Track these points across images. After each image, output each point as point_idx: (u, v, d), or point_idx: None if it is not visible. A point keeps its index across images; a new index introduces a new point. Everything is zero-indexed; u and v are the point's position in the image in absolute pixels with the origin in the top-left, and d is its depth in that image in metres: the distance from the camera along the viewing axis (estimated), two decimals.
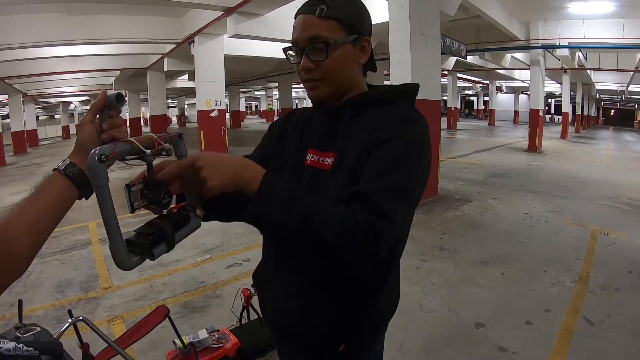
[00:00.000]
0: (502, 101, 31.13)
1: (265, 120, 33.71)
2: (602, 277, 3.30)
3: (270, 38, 8.83)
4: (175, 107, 36.35)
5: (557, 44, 10.59)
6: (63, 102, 24.97)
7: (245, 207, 0.71)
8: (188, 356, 1.89)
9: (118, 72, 16.62)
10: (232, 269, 3.54)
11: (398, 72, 5.34)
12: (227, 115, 19.13)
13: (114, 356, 1.54)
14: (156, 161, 0.73)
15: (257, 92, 36.39)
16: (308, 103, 1.08)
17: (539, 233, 4.46)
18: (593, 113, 33.21)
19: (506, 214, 5.20)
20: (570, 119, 18.18)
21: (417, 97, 0.94)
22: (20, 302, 1.27)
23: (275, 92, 28.14)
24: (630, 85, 19.29)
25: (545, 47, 10.91)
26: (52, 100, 23.34)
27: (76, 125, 23.33)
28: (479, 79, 25.55)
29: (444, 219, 5.00)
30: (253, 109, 54.82)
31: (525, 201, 5.83)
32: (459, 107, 29.21)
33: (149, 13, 9.43)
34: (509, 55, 14.70)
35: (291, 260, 0.89)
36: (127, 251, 0.61)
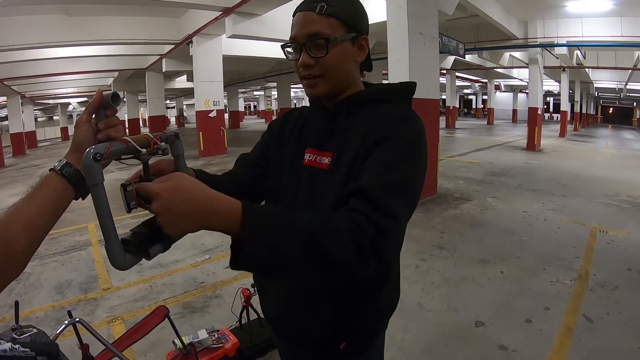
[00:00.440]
0: (501, 100, 31.16)
1: (264, 120, 33.71)
2: (601, 274, 3.30)
3: (268, 38, 8.84)
4: (173, 107, 36.33)
5: (556, 42, 10.61)
6: (62, 104, 24.94)
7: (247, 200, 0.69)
8: (188, 356, 1.88)
9: (116, 73, 16.64)
10: (231, 269, 3.53)
11: (396, 72, 5.34)
12: (226, 115, 19.16)
13: (113, 357, 1.54)
14: (152, 160, 0.73)
15: (255, 92, 36.41)
16: (307, 103, 1.07)
17: (539, 231, 4.46)
18: (592, 111, 33.28)
19: (505, 213, 5.20)
20: (568, 117, 18.18)
21: (415, 96, 0.94)
22: (16, 303, 1.27)
23: (274, 92, 28.15)
24: (629, 83, 19.32)
25: (544, 46, 10.92)
26: (51, 101, 23.33)
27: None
28: (478, 78, 25.57)
29: (444, 217, 5.00)
30: (252, 109, 54.81)
31: (525, 199, 5.83)
32: (457, 106, 29.24)
33: (147, 14, 9.44)
34: (507, 54, 14.70)
35: None
36: (123, 250, 0.61)
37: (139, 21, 9.49)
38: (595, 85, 21.87)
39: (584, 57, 13.16)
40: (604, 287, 3.09)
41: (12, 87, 14.36)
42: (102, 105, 0.70)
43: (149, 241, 0.63)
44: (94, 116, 0.72)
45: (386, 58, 5.41)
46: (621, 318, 2.63)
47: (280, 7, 7.95)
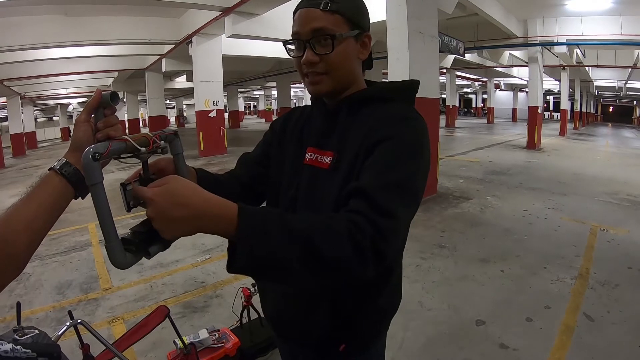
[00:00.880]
0: (501, 99, 31.16)
1: (264, 120, 33.70)
2: (602, 273, 3.30)
3: (268, 38, 8.83)
4: (173, 107, 36.33)
5: (555, 40, 10.60)
6: (61, 104, 24.94)
7: (248, 199, 0.69)
8: (189, 356, 1.88)
9: (116, 74, 16.63)
10: None
11: (396, 71, 5.34)
12: (226, 115, 19.16)
13: (114, 357, 1.54)
14: (152, 159, 0.73)
15: (255, 92, 36.40)
16: (307, 102, 1.07)
17: (539, 230, 4.46)
18: (592, 110, 33.28)
19: (506, 212, 5.20)
20: (568, 116, 18.19)
21: (415, 95, 0.93)
22: (18, 304, 1.27)
23: (274, 92, 28.15)
24: (629, 82, 19.31)
25: (543, 44, 10.91)
26: (51, 102, 23.33)
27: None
28: (477, 77, 25.57)
29: (444, 216, 5.00)
30: (252, 108, 54.81)
31: (525, 198, 5.83)
32: (457, 105, 29.25)
33: (147, 14, 9.43)
34: (507, 53, 14.69)
35: None
36: (123, 249, 0.61)
37: (139, 21, 9.49)
38: (595, 83, 21.85)
39: (584, 56, 13.15)
40: (605, 286, 3.09)
41: (11, 87, 14.36)
42: (100, 105, 0.70)
43: (149, 240, 0.62)
44: (92, 116, 0.71)
45: (386, 57, 5.41)
46: (622, 316, 2.63)
47: (279, 6, 7.94)
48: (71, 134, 0.74)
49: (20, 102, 16.27)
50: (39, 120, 29.63)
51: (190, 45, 10.30)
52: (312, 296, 0.86)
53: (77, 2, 8.15)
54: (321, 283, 0.68)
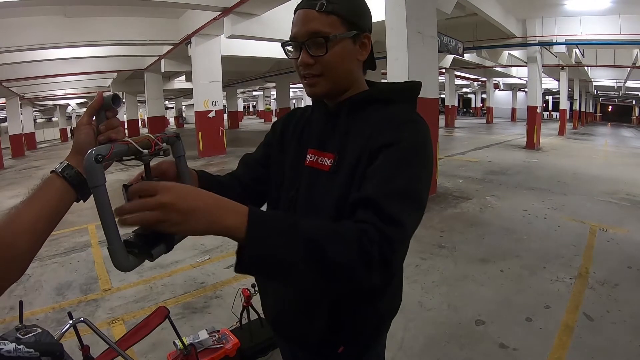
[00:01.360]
0: (500, 98, 31.18)
1: (263, 120, 33.68)
2: (601, 273, 3.31)
3: (267, 38, 8.84)
4: (172, 108, 36.31)
5: (554, 40, 10.60)
6: (61, 105, 24.92)
7: (249, 200, 0.69)
8: (188, 357, 1.89)
9: (115, 74, 16.63)
10: (231, 270, 3.51)
11: (395, 71, 5.34)
12: (225, 115, 19.14)
13: (114, 357, 1.54)
14: (154, 161, 0.73)
15: (254, 93, 36.37)
16: (306, 103, 1.07)
17: (538, 230, 4.47)
18: (591, 109, 33.31)
19: (505, 211, 5.21)
20: (568, 116, 18.21)
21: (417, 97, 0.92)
22: (20, 303, 1.27)
23: (273, 92, 28.17)
24: (628, 81, 19.31)
25: (542, 44, 10.92)
26: (50, 103, 23.28)
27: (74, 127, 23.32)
28: (476, 77, 25.58)
29: (443, 216, 5.00)
30: (251, 109, 54.76)
31: (524, 198, 5.84)
32: (456, 105, 29.24)
33: (146, 14, 9.43)
34: (506, 53, 14.70)
35: None
36: (126, 252, 0.61)
37: (138, 22, 9.48)
38: (594, 83, 21.87)
39: (583, 56, 13.16)
40: (604, 285, 3.09)
41: (10, 88, 14.35)
42: (102, 107, 0.71)
43: (151, 242, 0.63)
44: (94, 118, 0.72)
45: (385, 57, 5.41)
46: (621, 316, 2.64)
47: (279, 7, 7.94)
48: (71, 135, 0.74)
49: (19, 103, 16.24)
50: (38, 121, 29.58)
51: (189, 45, 10.30)
52: (311, 298, 0.86)
53: (76, 3, 8.16)
54: (326, 287, 0.68)
